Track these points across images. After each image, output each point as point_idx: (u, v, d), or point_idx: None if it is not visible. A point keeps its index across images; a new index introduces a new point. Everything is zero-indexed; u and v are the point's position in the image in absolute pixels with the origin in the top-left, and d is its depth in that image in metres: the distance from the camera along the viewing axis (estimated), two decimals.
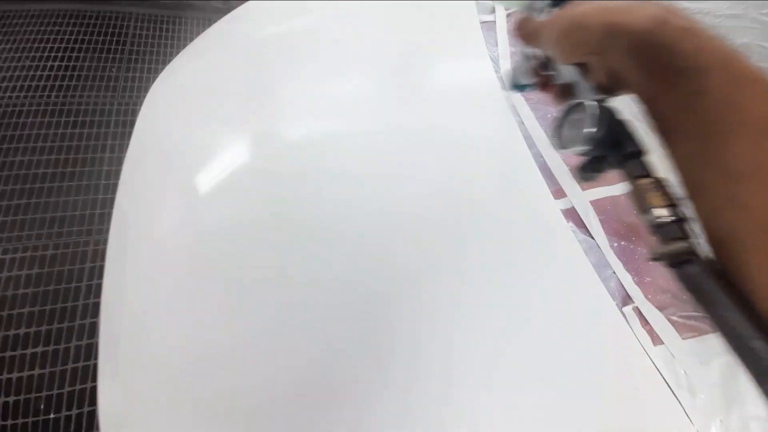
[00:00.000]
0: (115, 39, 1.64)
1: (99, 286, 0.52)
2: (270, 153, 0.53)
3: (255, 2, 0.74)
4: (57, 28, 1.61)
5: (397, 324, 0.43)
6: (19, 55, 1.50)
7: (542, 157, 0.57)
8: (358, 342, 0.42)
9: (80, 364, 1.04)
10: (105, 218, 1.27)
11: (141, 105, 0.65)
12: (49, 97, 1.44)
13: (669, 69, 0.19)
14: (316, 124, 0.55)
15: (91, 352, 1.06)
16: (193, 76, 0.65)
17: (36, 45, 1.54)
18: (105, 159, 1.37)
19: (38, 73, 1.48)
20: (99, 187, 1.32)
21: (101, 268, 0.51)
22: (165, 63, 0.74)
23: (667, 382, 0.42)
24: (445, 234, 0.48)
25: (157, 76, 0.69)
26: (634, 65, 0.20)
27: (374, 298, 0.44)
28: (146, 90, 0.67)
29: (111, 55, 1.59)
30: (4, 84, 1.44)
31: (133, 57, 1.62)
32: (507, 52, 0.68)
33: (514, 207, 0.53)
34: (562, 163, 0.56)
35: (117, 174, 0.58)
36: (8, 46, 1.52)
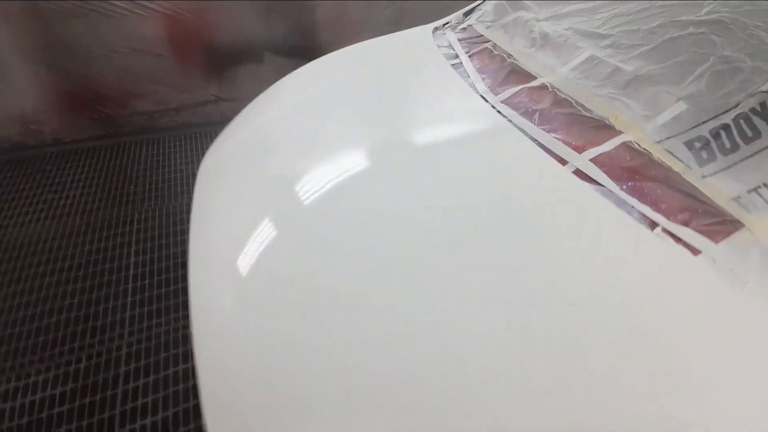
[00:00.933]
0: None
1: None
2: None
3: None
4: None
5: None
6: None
7: (536, 140, 0.67)
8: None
9: None
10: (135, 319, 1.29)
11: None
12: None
13: None
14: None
15: None
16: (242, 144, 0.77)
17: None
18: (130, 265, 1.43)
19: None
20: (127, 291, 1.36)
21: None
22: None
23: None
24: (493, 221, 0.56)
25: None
26: None
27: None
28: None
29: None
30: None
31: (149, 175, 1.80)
32: (479, 78, 0.84)
33: (534, 181, 0.62)
34: (553, 139, 0.66)
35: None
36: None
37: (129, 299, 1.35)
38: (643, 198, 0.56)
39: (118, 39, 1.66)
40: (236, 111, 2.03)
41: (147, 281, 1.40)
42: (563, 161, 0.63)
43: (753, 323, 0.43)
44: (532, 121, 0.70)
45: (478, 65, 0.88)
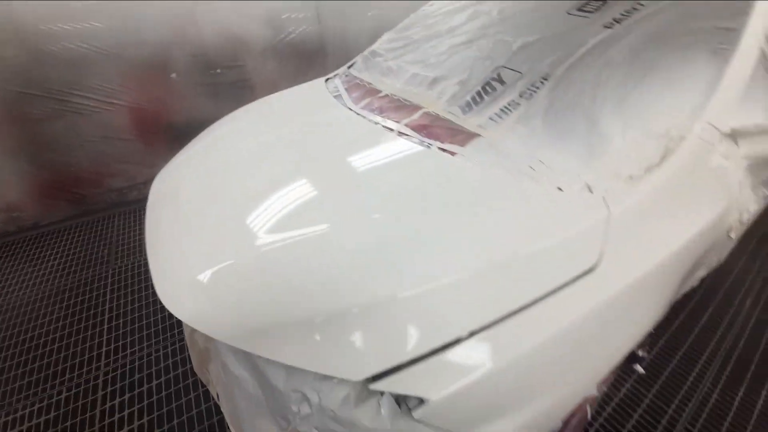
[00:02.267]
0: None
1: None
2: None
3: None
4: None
5: None
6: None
7: (378, 123, 1.04)
8: None
9: None
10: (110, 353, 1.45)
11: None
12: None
13: None
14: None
15: None
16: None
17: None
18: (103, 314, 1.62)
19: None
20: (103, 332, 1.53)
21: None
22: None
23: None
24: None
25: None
26: None
27: None
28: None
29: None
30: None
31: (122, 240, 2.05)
32: (349, 99, 1.24)
33: (376, 142, 0.97)
34: (386, 119, 1.03)
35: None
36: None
37: (104, 338, 1.51)
38: (431, 137, 0.92)
39: (91, 130, 2.04)
40: None
41: (120, 321, 1.58)
42: (391, 129, 1.00)
43: (473, 182, 0.76)
44: (375, 113, 1.09)
45: (350, 93, 1.30)
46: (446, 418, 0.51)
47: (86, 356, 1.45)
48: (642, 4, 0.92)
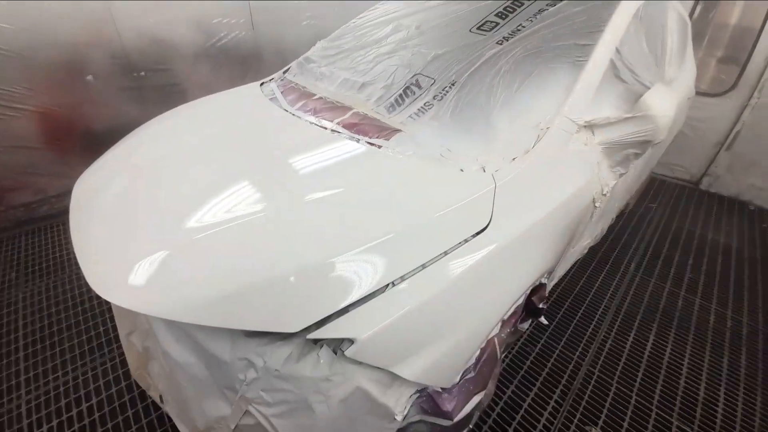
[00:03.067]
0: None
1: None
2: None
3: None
4: None
5: None
6: None
7: (313, 123, 1.14)
8: None
9: None
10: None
11: None
12: None
13: None
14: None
15: None
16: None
17: None
18: None
19: None
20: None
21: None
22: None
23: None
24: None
25: None
26: None
27: None
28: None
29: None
30: None
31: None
32: (284, 101, 1.31)
33: (311, 140, 1.06)
34: (320, 119, 1.13)
35: None
36: None
37: (22, 365, 1.37)
38: (360, 132, 1.04)
39: None
40: None
41: (38, 346, 1.44)
42: (325, 128, 1.10)
43: (395, 168, 0.90)
44: (310, 114, 1.18)
45: (286, 96, 1.37)
46: (373, 354, 0.62)
47: (4, 386, 1.30)
48: (524, 26, 1.14)
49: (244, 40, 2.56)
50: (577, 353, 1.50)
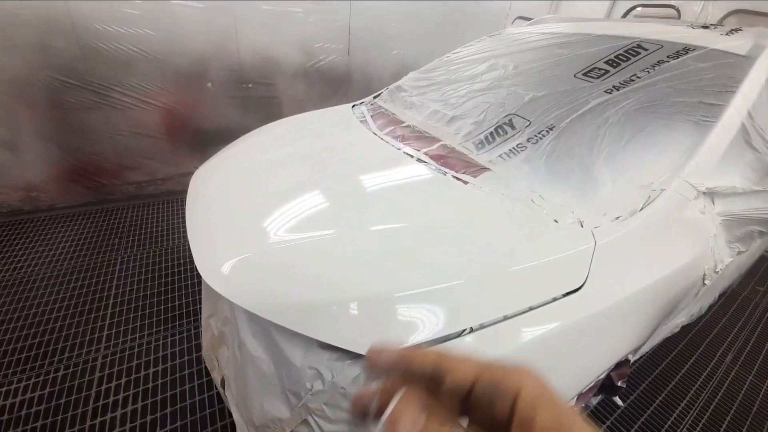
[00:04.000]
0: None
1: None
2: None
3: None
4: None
5: None
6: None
7: (399, 149, 1.17)
8: None
9: None
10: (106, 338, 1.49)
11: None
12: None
13: None
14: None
15: None
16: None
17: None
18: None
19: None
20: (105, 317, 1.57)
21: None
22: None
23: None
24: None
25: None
26: None
27: None
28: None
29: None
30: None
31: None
32: (374, 125, 1.37)
33: (396, 166, 1.09)
34: (406, 146, 1.16)
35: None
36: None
37: (107, 321, 1.56)
38: (447, 166, 1.04)
39: (123, 125, 2.17)
40: None
41: (125, 307, 1.62)
42: (411, 156, 1.12)
43: (482, 206, 0.87)
44: (398, 140, 1.22)
45: (375, 120, 1.44)
46: None
47: (87, 338, 1.48)
48: (638, 77, 1.07)
49: (338, 64, 2.77)
50: None
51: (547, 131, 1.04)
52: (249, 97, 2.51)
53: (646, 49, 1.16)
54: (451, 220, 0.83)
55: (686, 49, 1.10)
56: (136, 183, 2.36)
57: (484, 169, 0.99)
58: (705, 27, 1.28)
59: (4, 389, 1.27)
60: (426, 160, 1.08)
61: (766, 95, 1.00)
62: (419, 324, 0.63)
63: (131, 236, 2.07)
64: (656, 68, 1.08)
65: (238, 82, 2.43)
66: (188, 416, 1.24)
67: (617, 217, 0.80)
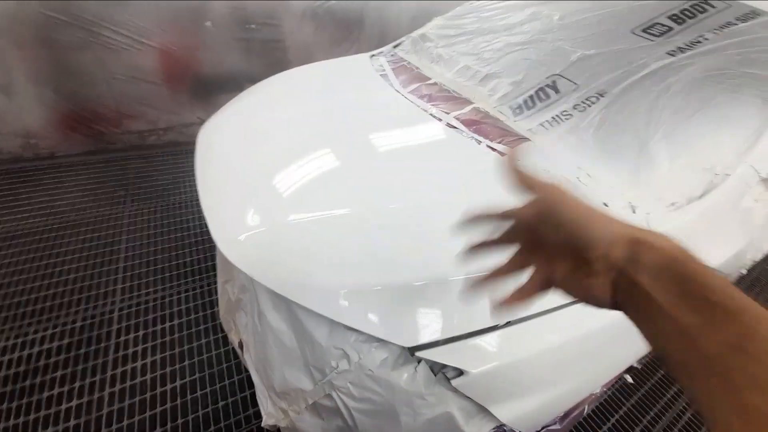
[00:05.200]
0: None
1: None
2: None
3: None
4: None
5: None
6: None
7: (425, 110, 1.06)
8: None
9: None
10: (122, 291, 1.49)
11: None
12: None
13: (708, 303, 0.19)
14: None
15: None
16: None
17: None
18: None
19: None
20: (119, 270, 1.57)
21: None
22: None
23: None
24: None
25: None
26: (662, 289, 0.20)
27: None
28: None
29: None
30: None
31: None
32: (396, 81, 1.24)
33: (423, 131, 0.99)
34: (434, 107, 1.05)
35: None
36: None
37: (120, 275, 1.55)
38: (480, 133, 0.94)
39: (118, 67, 2.00)
40: None
41: (136, 261, 1.61)
42: (439, 119, 1.02)
43: None
44: (424, 100, 1.10)
45: (397, 74, 1.30)
46: (478, 390, 0.57)
47: (101, 290, 1.49)
48: (707, 38, 0.93)
49: (351, 6, 2.50)
50: (649, 417, 1.34)
51: (597, 98, 0.92)
52: (253, 39, 2.29)
53: (714, 6, 1.00)
54: (487, 199, 0.75)
55: (755, 13, 0.95)
56: (138, 132, 2.24)
57: (522, 139, 0.90)
58: None
59: (20, 340, 1.30)
60: (457, 126, 0.97)
61: None
62: (466, 313, 0.59)
63: (137, 188, 2.01)
64: (724, 30, 0.93)
65: (241, 22, 2.20)
66: (206, 369, 1.28)
67: (672, 203, 0.72)
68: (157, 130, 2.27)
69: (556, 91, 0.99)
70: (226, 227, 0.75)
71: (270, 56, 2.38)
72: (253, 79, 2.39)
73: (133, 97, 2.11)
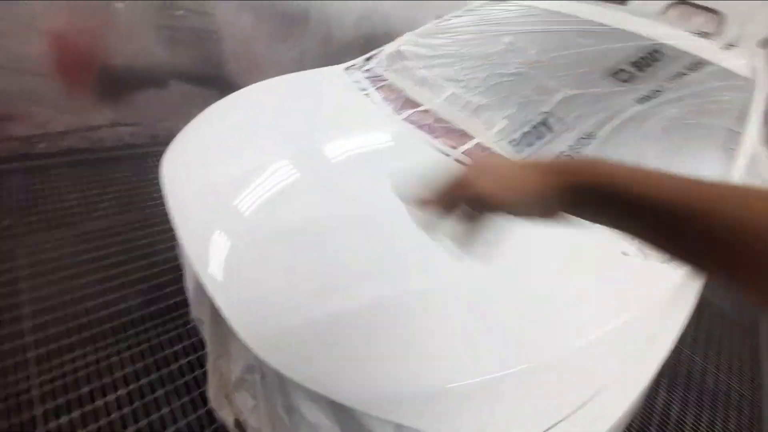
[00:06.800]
0: None
1: None
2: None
3: None
4: None
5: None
6: None
7: (428, 143, 1.02)
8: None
9: None
10: None
11: None
12: None
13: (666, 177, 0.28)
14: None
15: None
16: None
17: None
18: None
19: None
20: None
21: None
22: None
23: None
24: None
25: None
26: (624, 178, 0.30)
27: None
28: None
29: None
30: None
31: None
32: (384, 104, 1.17)
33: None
34: (437, 141, 1.02)
35: None
36: None
37: (29, 338, 1.18)
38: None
39: None
40: (138, 136, 2.05)
41: (48, 317, 1.25)
42: (447, 154, 0.99)
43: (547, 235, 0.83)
44: (424, 131, 1.06)
45: (381, 94, 1.22)
46: None
47: (8, 363, 1.11)
48: (664, 88, 1.08)
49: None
50: None
51: (588, 139, 1.00)
52: (180, 28, 1.93)
53: (666, 54, 1.17)
54: (524, 263, 0.74)
55: (700, 63, 1.14)
56: (21, 138, 1.71)
57: None
58: (700, 35, 1.32)
59: None
60: (467, 163, 0.96)
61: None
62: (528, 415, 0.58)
63: (30, 214, 1.55)
64: (678, 81, 1.10)
65: (165, 7, 1.83)
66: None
67: None
68: (49, 134, 1.77)
69: (549, 129, 1.04)
70: (248, 312, 0.62)
71: (201, 48, 2.04)
72: (181, 75, 2.04)
73: (15, 94, 1.60)
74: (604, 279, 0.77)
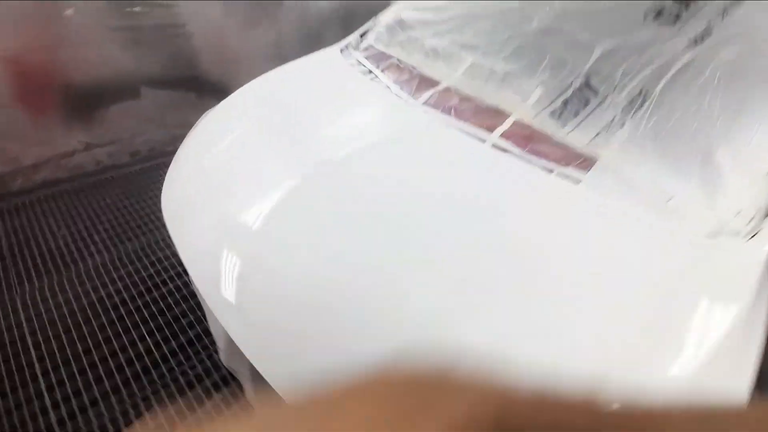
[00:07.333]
0: None
1: None
2: None
3: None
4: None
5: None
6: None
7: (459, 128, 0.88)
8: None
9: None
10: None
11: None
12: None
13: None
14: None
15: None
16: None
17: None
18: None
19: None
20: None
21: None
22: None
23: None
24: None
25: None
26: None
27: None
28: None
29: None
30: None
31: None
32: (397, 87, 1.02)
33: (464, 156, 0.82)
34: (470, 125, 0.88)
35: None
36: None
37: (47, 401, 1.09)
38: (539, 155, 0.82)
39: None
40: (117, 155, 1.86)
41: (68, 371, 1.15)
42: (482, 140, 0.86)
43: (616, 227, 0.72)
44: (450, 115, 0.92)
45: (389, 75, 1.07)
46: None
47: None
48: (714, 25, 0.93)
49: None
50: None
51: (640, 99, 0.87)
52: (140, 27, 1.71)
53: None
54: (592, 275, 0.64)
55: None
56: None
57: (589, 158, 0.80)
58: None
59: None
60: (507, 148, 0.83)
61: None
62: None
63: (25, 258, 1.41)
64: (729, 16, 0.95)
65: (117, 6, 1.60)
66: None
67: (751, 219, 0.72)
68: (22, 169, 1.60)
69: (594, 92, 0.91)
70: (275, 352, 0.53)
71: (170, 46, 1.83)
72: (152, 80, 1.84)
73: None
74: None
